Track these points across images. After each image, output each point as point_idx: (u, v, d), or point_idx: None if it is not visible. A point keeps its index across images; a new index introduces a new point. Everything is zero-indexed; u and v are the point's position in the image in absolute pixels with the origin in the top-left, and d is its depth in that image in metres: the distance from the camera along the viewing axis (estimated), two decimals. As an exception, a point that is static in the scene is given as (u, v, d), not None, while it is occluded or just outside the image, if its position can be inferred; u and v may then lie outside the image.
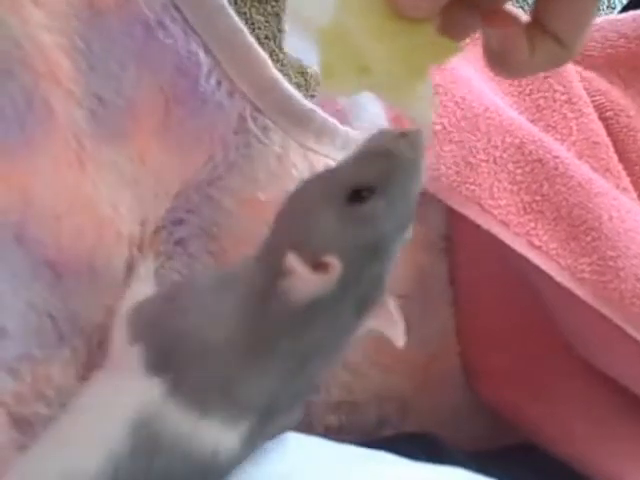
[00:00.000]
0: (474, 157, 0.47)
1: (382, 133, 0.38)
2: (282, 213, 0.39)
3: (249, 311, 0.37)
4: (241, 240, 0.44)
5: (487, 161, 0.47)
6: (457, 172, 0.46)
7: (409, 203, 0.38)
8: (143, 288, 0.42)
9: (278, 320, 0.37)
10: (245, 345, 0.37)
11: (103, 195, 0.40)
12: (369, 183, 0.37)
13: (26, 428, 0.40)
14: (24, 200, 0.38)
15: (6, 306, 0.39)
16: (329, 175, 0.39)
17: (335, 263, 0.35)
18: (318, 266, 0.35)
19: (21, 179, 0.38)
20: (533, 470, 0.48)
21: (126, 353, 0.38)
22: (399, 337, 0.40)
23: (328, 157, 0.46)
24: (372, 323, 0.39)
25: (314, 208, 0.38)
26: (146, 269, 0.42)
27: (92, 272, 0.40)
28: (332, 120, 0.46)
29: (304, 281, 0.35)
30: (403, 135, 0.37)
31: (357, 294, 0.37)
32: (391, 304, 0.39)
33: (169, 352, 0.37)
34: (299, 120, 0.45)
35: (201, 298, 0.39)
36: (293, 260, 0.35)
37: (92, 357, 0.41)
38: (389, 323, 0.39)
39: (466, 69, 0.50)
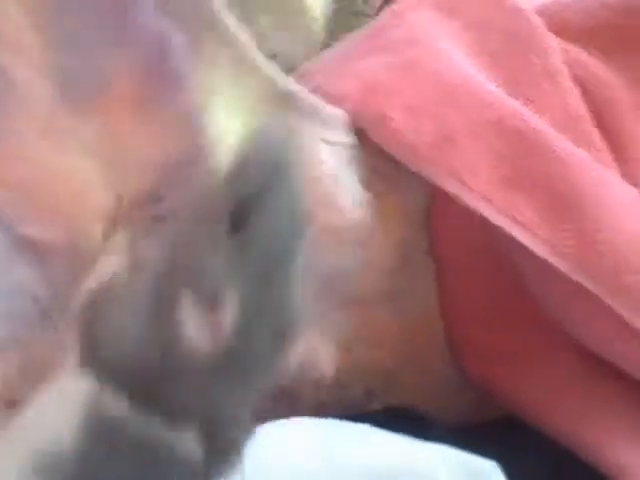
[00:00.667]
0: (453, 132, 0.46)
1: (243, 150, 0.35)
2: (169, 248, 0.36)
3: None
4: None
5: (466, 136, 0.46)
6: (436, 147, 0.46)
7: (295, 207, 0.35)
8: (110, 261, 0.40)
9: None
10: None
11: (75, 169, 0.40)
12: (245, 201, 0.34)
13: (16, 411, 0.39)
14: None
15: None
16: (207, 206, 0.36)
17: (229, 304, 0.33)
18: (213, 307, 0.33)
19: None
20: (519, 446, 0.48)
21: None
22: (328, 368, 0.40)
23: (321, 140, 0.46)
24: (298, 357, 0.39)
25: (197, 244, 0.35)
26: (116, 243, 0.41)
27: (72, 249, 0.40)
28: (315, 100, 0.46)
29: (199, 330, 0.33)
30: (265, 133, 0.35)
31: (265, 327, 0.35)
32: (314, 335, 0.39)
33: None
34: (280, 100, 0.44)
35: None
36: (186, 308, 0.33)
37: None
38: (314, 355, 0.39)
39: (445, 43, 0.49)
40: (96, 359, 0.34)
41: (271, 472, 0.38)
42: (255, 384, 0.36)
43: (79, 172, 0.40)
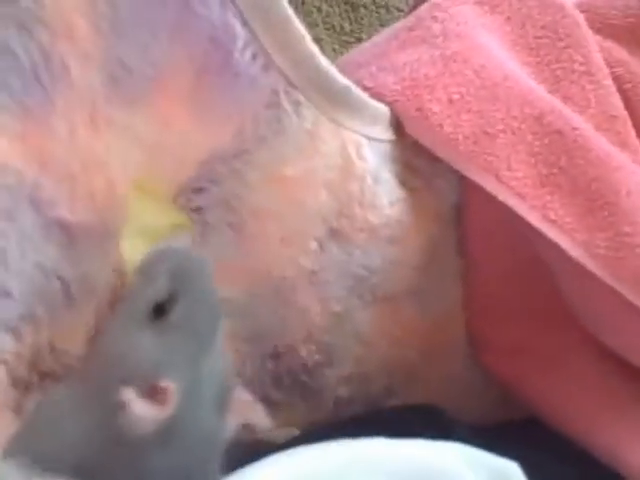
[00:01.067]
0: (492, 127, 0.46)
1: (151, 251, 0.39)
2: (98, 350, 0.39)
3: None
4: (262, 215, 0.44)
5: (505, 132, 0.46)
6: (474, 142, 0.46)
7: (211, 291, 0.39)
8: None
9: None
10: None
11: (115, 157, 0.40)
12: (165, 293, 0.38)
13: (25, 389, 0.40)
14: (40, 160, 0.38)
15: (12, 267, 0.38)
16: (128, 302, 0.39)
17: (170, 386, 0.36)
18: (154, 393, 0.36)
19: (37, 139, 0.38)
20: (540, 446, 0.48)
21: None
22: (263, 420, 0.42)
23: (359, 133, 0.46)
24: (237, 418, 0.40)
25: (127, 338, 0.38)
26: None
27: (103, 234, 0.40)
28: (364, 96, 0.46)
29: (145, 414, 0.35)
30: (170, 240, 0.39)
31: (206, 399, 0.37)
32: (242, 394, 0.41)
33: None
34: (333, 96, 0.44)
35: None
36: (129, 395, 0.35)
37: (102, 319, 0.41)
38: (250, 411, 0.42)
39: (486, 37, 0.49)
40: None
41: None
42: (207, 449, 0.38)
43: (119, 160, 0.40)
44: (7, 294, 0.38)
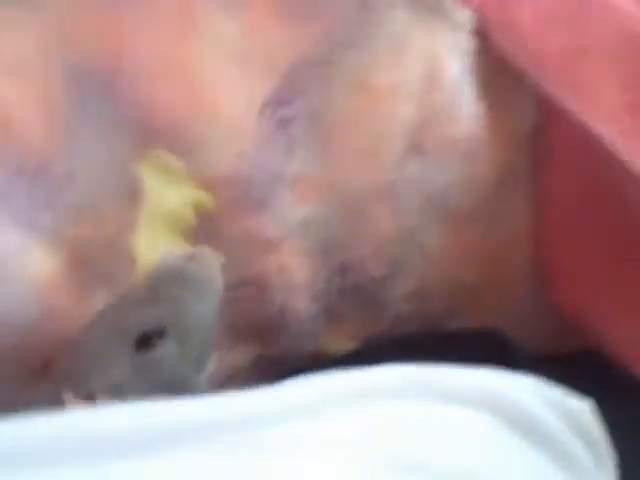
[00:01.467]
0: (583, 45, 0.44)
1: (165, 266, 0.36)
2: (73, 351, 0.36)
3: None
4: (347, 126, 0.43)
5: (597, 51, 0.44)
6: (563, 60, 0.44)
7: (205, 334, 0.36)
8: None
9: None
10: None
11: (204, 65, 0.39)
12: (156, 326, 0.35)
13: (87, 272, 0.40)
14: (118, 51, 0.38)
15: (79, 153, 0.39)
16: (118, 315, 0.36)
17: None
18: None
19: (117, 27, 0.37)
20: (597, 378, 0.47)
21: None
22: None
23: (445, 42, 0.44)
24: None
25: (100, 353, 0.35)
26: None
27: (186, 143, 0.40)
28: (452, 1, 0.44)
29: None
30: (190, 259, 0.36)
31: None
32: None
33: None
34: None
35: None
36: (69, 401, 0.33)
37: None
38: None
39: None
40: None
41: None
42: None
43: (208, 68, 0.39)
44: (72, 179, 0.38)
